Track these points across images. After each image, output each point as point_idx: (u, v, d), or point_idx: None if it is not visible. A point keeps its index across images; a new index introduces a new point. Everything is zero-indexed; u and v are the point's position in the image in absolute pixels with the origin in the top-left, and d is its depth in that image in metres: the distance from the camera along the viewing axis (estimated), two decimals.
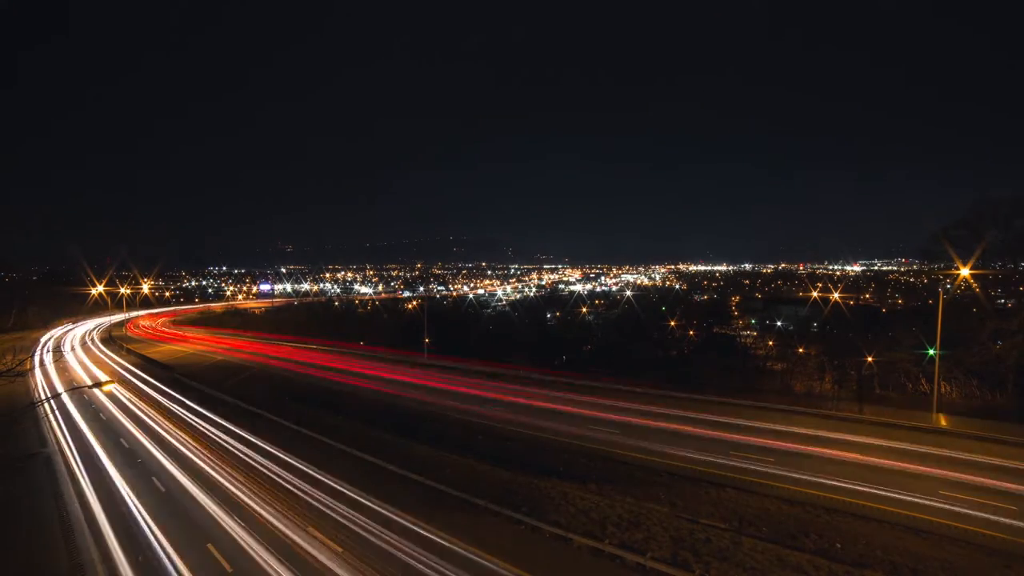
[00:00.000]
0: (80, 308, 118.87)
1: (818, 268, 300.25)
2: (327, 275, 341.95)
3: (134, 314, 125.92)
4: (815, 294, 78.04)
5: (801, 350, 50.13)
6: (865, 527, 19.70)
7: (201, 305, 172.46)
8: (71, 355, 68.13)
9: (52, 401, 40.02)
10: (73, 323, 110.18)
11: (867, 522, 20.12)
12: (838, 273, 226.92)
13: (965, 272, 38.70)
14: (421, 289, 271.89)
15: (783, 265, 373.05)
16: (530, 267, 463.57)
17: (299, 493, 23.45)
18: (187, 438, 32.01)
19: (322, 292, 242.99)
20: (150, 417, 37.13)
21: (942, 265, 50.55)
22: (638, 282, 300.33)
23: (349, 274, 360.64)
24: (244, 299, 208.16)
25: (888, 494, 22.39)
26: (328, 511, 21.57)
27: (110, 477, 26.10)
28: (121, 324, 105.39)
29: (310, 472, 25.85)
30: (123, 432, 33.67)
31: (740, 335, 78.53)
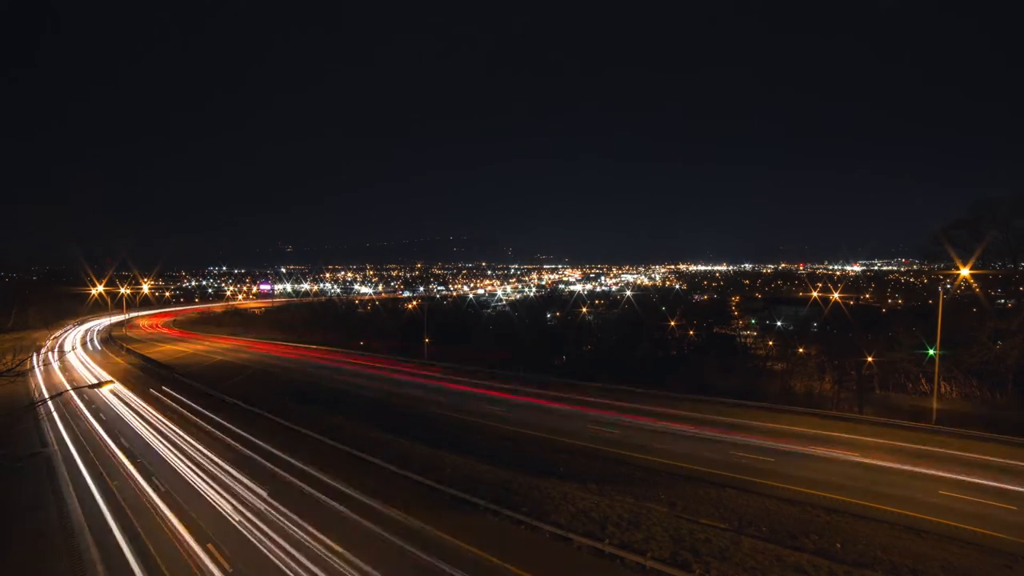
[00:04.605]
0: (80, 308, 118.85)
1: (818, 268, 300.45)
2: (327, 275, 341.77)
3: (134, 314, 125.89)
4: (815, 294, 78.05)
5: (801, 350, 50.17)
6: (865, 527, 19.70)
7: (201, 305, 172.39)
8: (71, 355, 68.13)
9: (52, 401, 40.01)
10: (73, 323, 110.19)
11: (867, 522, 20.13)
12: (838, 273, 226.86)
13: (965, 272, 38.73)
14: (421, 289, 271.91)
15: (783, 265, 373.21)
16: (530, 267, 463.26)
17: (299, 493, 23.45)
18: (187, 438, 32.00)
19: (322, 292, 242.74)
20: (150, 417, 37.14)
21: (942, 265, 50.60)
22: (638, 282, 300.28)
23: (349, 274, 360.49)
24: (244, 299, 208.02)
25: (888, 494, 22.40)
26: (327, 510, 21.56)
27: (110, 477, 26.10)
28: (121, 324, 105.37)
29: (310, 472, 25.83)
30: (123, 432, 33.67)
31: (740, 335, 78.56)
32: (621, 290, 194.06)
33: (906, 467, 25.34)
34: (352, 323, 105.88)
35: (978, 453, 26.91)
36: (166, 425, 34.99)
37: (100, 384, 42.71)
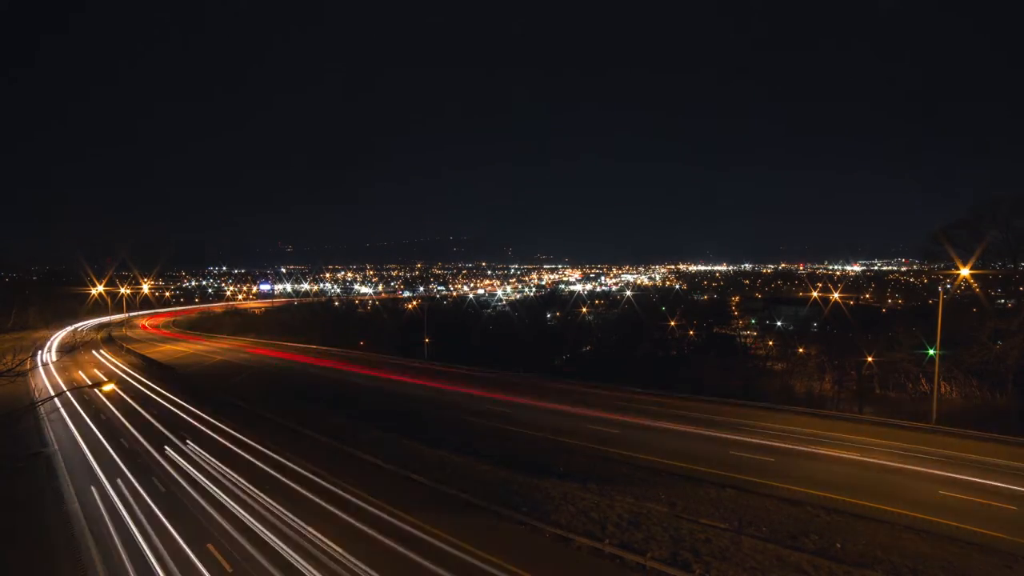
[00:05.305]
0: (80, 308, 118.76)
1: (818, 268, 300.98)
2: (327, 275, 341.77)
3: (134, 314, 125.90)
4: (815, 294, 78.00)
5: (801, 350, 50.24)
6: (865, 527, 19.70)
7: (201, 305, 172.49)
8: (71, 355, 68.13)
9: (53, 401, 40.01)
10: (73, 323, 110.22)
11: (867, 522, 20.11)
12: (838, 273, 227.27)
13: (965, 272, 38.70)
14: (421, 289, 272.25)
15: (783, 265, 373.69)
16: (530, 267, 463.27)
17: (298, 493, 23.46)
18: (186, 438, 32.03)
19: (322, 292, 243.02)
20: (150, 417, 37.15)
21: (942, 265, 50.60)
22: (638, 282, 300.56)
23: (349, 274, 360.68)
24: (244, 299, 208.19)
25: (888, 494, 22.39)
26: (327, 511, 21.58)
27: (110, 477, 26.12)
28: (121, 324, 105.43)
29: (309, 472, 25.85)
30: (123, 432, 33.69)
31: (740, 335, 78.64)
32: (621, 290, 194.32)
33: (906, 467, 25.34)
34: (352, 323, 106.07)
35: (978, 453, 26.90)
36: (165, 425, 34.99)
37: (100, 384, 42.59)
